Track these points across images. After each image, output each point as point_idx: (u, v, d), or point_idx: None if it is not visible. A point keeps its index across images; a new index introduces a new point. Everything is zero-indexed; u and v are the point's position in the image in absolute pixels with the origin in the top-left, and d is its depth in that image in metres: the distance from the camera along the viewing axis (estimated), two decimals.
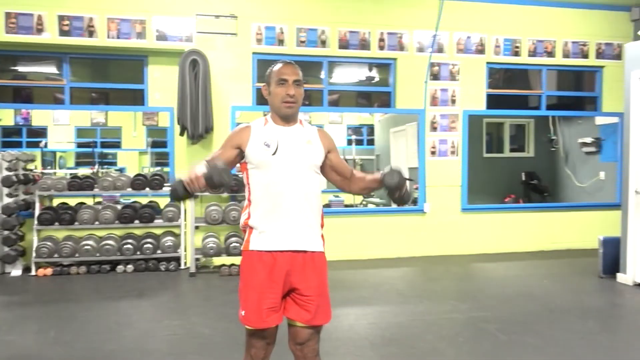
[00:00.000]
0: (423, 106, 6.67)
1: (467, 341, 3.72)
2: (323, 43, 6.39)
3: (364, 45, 6.49)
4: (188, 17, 6.04)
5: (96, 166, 9.67)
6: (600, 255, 5.59)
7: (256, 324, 2.14)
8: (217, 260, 6.08)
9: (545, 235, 7.07)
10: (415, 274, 5.95)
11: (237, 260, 5.93)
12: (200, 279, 5.64)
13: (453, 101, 6.76)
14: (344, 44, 6.44)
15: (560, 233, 7.12)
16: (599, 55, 7.16)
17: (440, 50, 6.69)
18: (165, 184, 6.06)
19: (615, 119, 7.36)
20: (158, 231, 6.19)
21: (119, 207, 6.17)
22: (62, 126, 10.88)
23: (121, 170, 10.99)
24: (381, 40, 6.53)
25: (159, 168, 11.17)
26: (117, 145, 11.58)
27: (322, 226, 2.26)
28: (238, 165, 2.26)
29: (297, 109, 2.21)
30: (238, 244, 5.73)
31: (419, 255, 6.59)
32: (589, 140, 7.87)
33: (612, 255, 5.53)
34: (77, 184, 5.84)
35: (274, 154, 2.14)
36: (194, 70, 5.76)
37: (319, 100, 6.61)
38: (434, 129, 6.73)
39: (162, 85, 6.20)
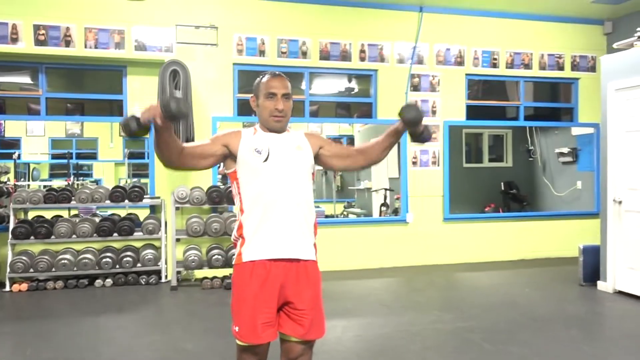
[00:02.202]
0: None
1: (453, 351, 3.71)
2: (304, 54, 6.39)
3: (345, 56, 6.52)
4: (168, 27, 5.99)
5: (72, 178, 9.48)
6: (581, 264, 5.66)
7: (251, 339, 2.08)
8: (199, 273, 5.98)
9: (525, 244, 7.15)
10: (399, 284, 5.94)
11: (219, 272, 5.85)
12: (182, 292, 5.53)
13: (434, 112, 6.82)
14: (325, 55, 6.46)
15: (540, 242, 7.20)
16: (574, 67, 7.31)
17: (420, 61, 6.75)
18: (145, 196, 5.96)
19: (591, 130, 7.50)
20: (138, 244, 6.07)
21: (97, 219, 6.04)
22: (36, 137, 10.67)
23: (97, 181, 10.80)
24: (362, 51, 6.56)
25: (136, 179, 11.04)
26: (93, 156, 11.39)
27: (315, 234, 2.23)
28: (221, 166, 2.23)
29: (286, 122, 2.19)
30: (220, 257, 5.65)
31: (401, 265, 6.59)
32: (565, 150, 8.01)
33: (592, 263, 5.61)
34: (54, 197, 5.70)
35: (265, 160, 2.11)
36: (175, 81, 5.70)
37: (300, 111, 6.59)
38: None
39: (141, 95, 6.12)
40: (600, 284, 5.45)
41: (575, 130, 7.86)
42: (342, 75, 7.04)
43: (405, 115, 2.16)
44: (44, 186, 9.37)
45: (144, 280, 5.79)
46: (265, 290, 2.07)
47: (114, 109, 8.85)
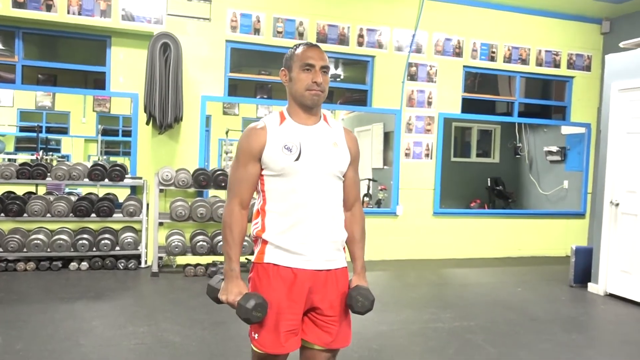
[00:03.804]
0: (400, 106, 6.52)
1: (457, 354, 3.55)
2: (301, 35, 6.11)
3: (343, 40, 6.26)
4: None
5: (40, 152, 9.01)
6: (572, 264, 5.60)
7: (273, 349, 1.84)
8: (181, 260, 5.69)
9: (512, 241, 7.09)
10: (390, 278, 5.78)
11: (203, 260, 5.58)
12: (164, 279, 5.25)
13: (429, 103, 6.65)
14: (322, 38, 6.19)
15: (526, 240, 7.15)
16: (570, 65, 7.23)
17: (418, 50, 6.55)
18: (126, 176, 5.62)
19: (582, 129, 7.47)
20: (117, 226, 5.74)
21: (74, 198, 5.68)
22: (3, 108, 10.10)
23: (66, 157, 10.32)
24: (360, 36, 6.32)
25: (105, 157, 10.59)
26: (64, 131, 10.88)
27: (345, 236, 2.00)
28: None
29: (323, 100, 1.90)
30: (205, 243, 5.38)
31: (390, 258, 6.43)
32: (554, 149, 7.97)
33: (583, 264, 5.55)
34: (28, 172, 5.30)
35: (296, 159, 1.83)
36: (165, 55, 5.35)
37: None
38: (409, 130, 6.59)
39: (126, 69, 5.75)
40: (591, 286, 5.40)
41: (565, 130, 7.82)
42: (338, 59, 6.79)
43: (355, 309, 1.92)
44: (9, 159, 8.88)
45: (122, 264, 5.48)
46: (291, 296, 1.84)
47: (90, 81, 8.39)
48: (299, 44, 1.93)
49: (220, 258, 5.62)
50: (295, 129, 1.88)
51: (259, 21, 5.95)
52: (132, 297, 4.66)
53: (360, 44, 6.32)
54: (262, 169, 1.88)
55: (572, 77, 7.31)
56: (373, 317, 4.16)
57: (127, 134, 10.56)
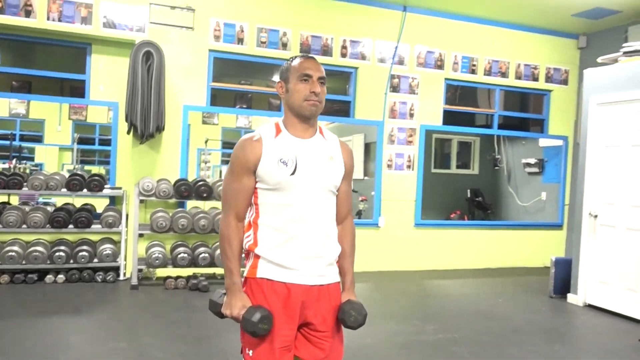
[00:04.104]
0: (382, 118, 6.54)
1: None
2: (284, 46, 6.10)
3: (326, 51, 6.27)
4: (141, 5, 5.55)
5: (13, 161, 8.79)
6: (552, 275, 5.67)
7: None
8: (161, 272, 5.58)
9: (491, 253, 7.15)
10: (373, 290, 5.76)
11: (183, 272, 5.48)
12: (143, 292, 5.13)
13: (411, 115, 6.69)
14: (305, 49, 6.18)
15: (505, 251, 7.22)
16: (548, 79, 7.38)
17: (401, 62, 6.60)
18: (105, 186, 5.50)
19: (559, 142, 7.60)
20: (95, 237, 5.60)
21: (50, 209, 5.53)
22: None
23: (39, 166, 10.09)
24: (344, 47, 6.34)
25: (80, 166, 10.37)
26: (38, 139, 10.64)
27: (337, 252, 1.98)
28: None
29: (321, 110, 1.88)
30: (186, 255, 5.29)
31: (372, 270, 6.42)
32: (532, 161, 8.10)
33: (562, 275, 5.62)
34: (4, 181, 5.15)
35: (292, 173, 1.80)
36: (147, 64, 5.28)
37: (276, 106, 6.31)
38: (391, 141, 6.62)
39: (106, 77, 5.65)
40: (571, 297, 5.47)
41: (543, 142, 7.96)
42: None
43: (347, 324, 1.90)
44: None
45: (100, 277, 5.35)
46: (285, 311, 1.81)
47: (65, 88, 8.22)
48: (295, 56, 1.92)
49: (201, 270, 5.53)
50: (291, 142, 1.85)
51: (242, 31, 5.92)
52: (112, 311, 4.54)
53: (343, 55, 6.35)
54: (256, 182, 1.85)
55: (550, 91, 7.45)
56: (358, 330, 4.14)
57: (104, 142, 10.39)
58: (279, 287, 1.81)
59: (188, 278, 5.39)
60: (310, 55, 1.95)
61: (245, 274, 1.88)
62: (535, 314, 5.05)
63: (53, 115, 10.32)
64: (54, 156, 10.63)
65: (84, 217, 5.35)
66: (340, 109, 6.90)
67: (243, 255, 1.91)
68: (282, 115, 1.94)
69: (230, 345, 3.79)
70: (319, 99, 1.85)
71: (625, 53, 5.05)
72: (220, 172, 10.30)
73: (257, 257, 1.84)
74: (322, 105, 1.87)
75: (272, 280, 1.81)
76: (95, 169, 10.39)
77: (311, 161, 1.85)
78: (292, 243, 1.82)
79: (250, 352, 1.82)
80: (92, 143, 10.97)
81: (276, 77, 7.13)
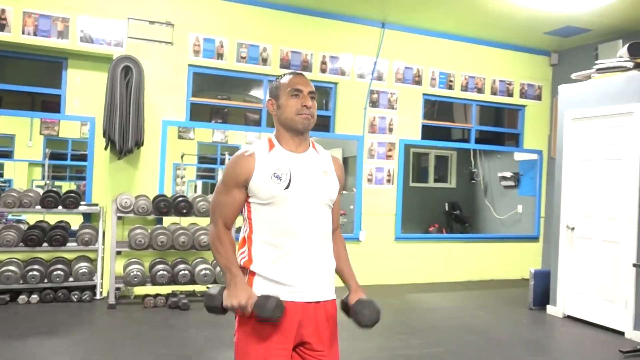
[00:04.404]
0: (362, 132, 6.58)
1: None
2: (264, 61, 6.10)
3: (306, 66, 6.29)
4: (119, 19, 5.48)
5: None
6: (531, 287, 5.74)
7: None
8: (139, 290, 5.45)
9: (471, 265, 7.21)
10: None
11: (163, 290, 5.37)
12: (121, 311, 5.00)
13: (390, 129, 6.75)
14: (285, 64, 6.19)
15: (484, 264, 7.29)
16: (522, 94, 7.54)
17: (380, 78, 6.67)
18: (81, 203, 5.37)
19: (534, 156, 7.76)
20: (70, 256, 5.45)
21: (23, 226, 5.37)
22: None
23: (7, 182, 9.81)
24: (323, 63, 6.38)
25: (50, 182, 10.12)
26: (7, 155, 10.36)
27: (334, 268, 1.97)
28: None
29: (313, 124, 1.89)
30: (166, 272, 5.18)
31: None
32: (508, 174, 8.24)
33: (542, 287, 5.70)
34: None
35: (286, 187, 1.80)
36: (126, 79, 5.20)
37: (256, 121, 6.28)
38: (371, 156, 6.65)
39: (82, 92, 5.55)
40: (550, 308, 5.54)
41: (518, 156, 8.11)
42: None
43: (363, 323, 1.90)
44: None
45: (76, 296, 5.19)
46: (281, 330, 1.78)
47: (37, 103, 8.05)
48: (284, 74, 1.96)
49: (181, 287, 5.43)
50: (284, 156, 1.85)
51: (222, 46, 5.90)
52: (89, 331, 4.41)
53: (323, 70, 6.38)
54: (248, 197, 1.84)
55: (524, 106, 7.62)
56: (344, 347, 4.09)
57: (76, 158, 10.17)
58: None
59: (167, 296, 5.28)
60: (299, 72, 1.96)
61: None
62: (517, 326, 5.10)
63: (24, 131, 10.08)
64: (23, 172, 10.36)
65: (59, 235, 5.21)
66: (320, 123, 6.91)
67: None
68: (274, 131, 1.94)
69: None
70: (311, 113, 1.86)
71: (598, 70, 5.20)
72: (195, 186, 10.19)
73: (252, 274, 1.82)
74: (314, 119, 1.89)
75: None
76: (67, 185, 10.17)
77: (305, 175, 1.85)
78: (287, 258, 1.80)
79: None
80: (64, 158, 10.73)
81: (255, 92, 7.14)
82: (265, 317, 1.72)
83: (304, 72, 6.08)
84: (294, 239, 1.80)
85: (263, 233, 1.82)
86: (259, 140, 1.94)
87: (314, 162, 1.90)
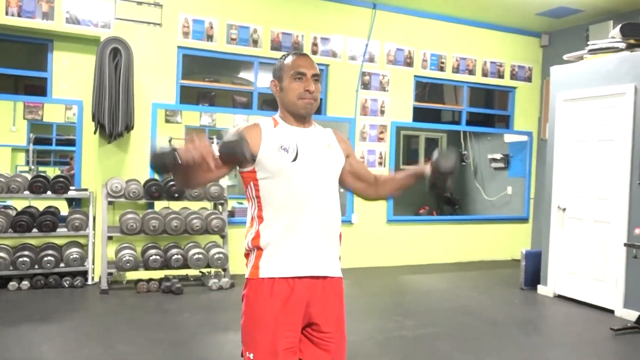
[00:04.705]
0: (354, 115, 6.54)
1: None
2: (255, 42, 6.01)
3: (297, 48, 6.21)
4: (106, 0, 5.35)
5: None
6: (522, 268, 5.80)
7: None
8: (131, 275, 5.41)
9: (462, 247, 7.26)
10: (350, 287, 5.68)
11: (155, 274, 5.33)
12: (114, 296, 4.96)
13: (382, 112, 6.71)
14: (276, 46, 6.11)
15: (475, 245, 7.35)
16: (513, 76, 7.53)
17: (371, 59, 6.61)
18: (70, 188, 5.30)
19: (524, 137, 7.79)
20: (60, 241, 5.38)
21: (12, 212, 5.28)
22: None
23: None
24: (314, 44, 6.30)
25: (34, 167, 9.95)
26: None
27: (340, 245, 1.95)
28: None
29: (315, 108, 1.87)
30: (158, 257, 5.14)
31: (347, 267, 6.33)
32: (498, 156, 8.27)
33: (532, 267, 5.75)
34: None
35: (294, 160, 1.78)
36: (115, 61, 5.09)
37: (248, 103, 6.21)
38: (363, 138, 6.62)
39: (70, 74, 5.43)
40: (541, 288, 5.61)
41: (508, 137, 8.13)
42: None
43: (444, 165, 1.87)
44: None
45: (67, 282, 5.14)
46: (288, 311, 1.76)
47: (19, 86, 7.87)
48: (287, 54, 1.91)
49: (174, 272, 5.39)
50: (290, 130, 1.85)
51: (212, 27, 5.79)
52: (82, 317, 4.36)
53: (314, 52, 6.30)
54: (251, 172, 1.80)
55: (515, 88, 7.62)
56: None
57: (61, 142, 9.99)
58: (281, 285, 1.77)
59: (160, 280, 5.24)
60: (302, 52, 1.92)
61: (247, 275, 1.83)
62: (509, 306, 5.16)
63: (6, 115, 9.86)
64: (6, 157, 10.17)
65: (49, 221, 5.13)
66: None
67: (244, 256, 1.86)
68: (277, 112, 1.93)
69: (209, 350, 3.71)
70: (314, 97, 1.84)
71: (590, 51, 5.20)
72: None
73: (260, 252, 1.80)
74: (317, 103, 1.87)
75: (274, 278, 1.77)
76: (51, 170, 10.01)
77: (311, 148, 1.84)
78: (295, 233, 1.79)
79: (252, 355, 1.77)
80: (49, 143, 10.54)
81: (244, 74, 7.04)
82: (234, 149, 1.66)
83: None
84: (302, 212, 1.79)
85: (273, 208, 1.80)
86: (265, 118, 1.91)
87: (318, 137, 1.90)
